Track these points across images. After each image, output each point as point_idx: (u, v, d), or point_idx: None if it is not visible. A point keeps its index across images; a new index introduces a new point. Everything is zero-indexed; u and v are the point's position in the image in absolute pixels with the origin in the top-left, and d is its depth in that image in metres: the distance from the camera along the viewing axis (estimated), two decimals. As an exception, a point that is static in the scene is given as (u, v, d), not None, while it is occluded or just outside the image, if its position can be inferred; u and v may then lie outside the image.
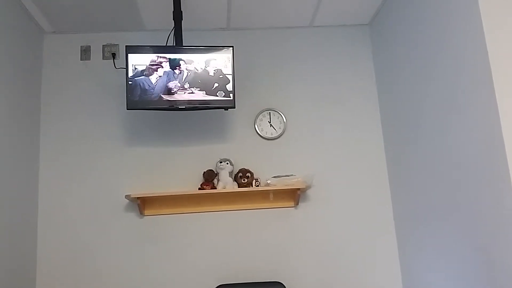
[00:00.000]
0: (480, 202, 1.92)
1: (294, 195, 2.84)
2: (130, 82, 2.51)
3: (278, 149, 2.95)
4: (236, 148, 2.93)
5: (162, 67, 2.54)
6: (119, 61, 2.95)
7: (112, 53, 2.98)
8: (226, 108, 2.63)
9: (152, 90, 2.52)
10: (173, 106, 2.55)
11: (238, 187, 2.77)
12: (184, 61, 2.56)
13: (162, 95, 2.53)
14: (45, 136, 2.88)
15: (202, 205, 2.83)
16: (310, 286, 2.79)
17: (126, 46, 2.57)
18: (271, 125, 2.97)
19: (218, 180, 2.78)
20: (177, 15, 2.68)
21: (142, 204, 2.75)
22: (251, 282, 2.71)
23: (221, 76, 2.59)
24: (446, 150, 2.19)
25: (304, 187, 2.73)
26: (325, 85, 3.06)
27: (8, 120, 2.45)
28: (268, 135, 2.96)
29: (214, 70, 2.58)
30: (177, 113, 2.94)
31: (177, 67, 2.55)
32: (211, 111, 2.93)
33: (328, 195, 2.91)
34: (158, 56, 2.53)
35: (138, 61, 2.53)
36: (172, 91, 2.53)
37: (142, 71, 2.52)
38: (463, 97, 2.01)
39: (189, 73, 2.56)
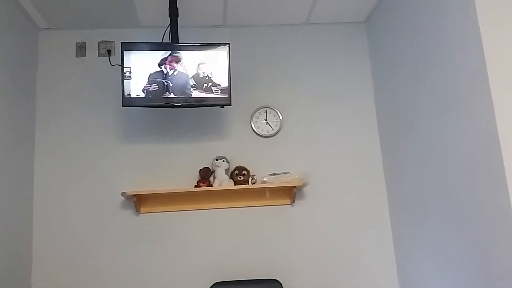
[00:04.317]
0: (476, 199, 1.92)
1: (290, 193, 2.84)
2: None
3: (274, 147, 2.95)
4: (232, 145, 2.92)
5: (162, 67, 2.53)
6: (115, 58, 2.93)
7: (107, 50, 2.96)
8: (222, 106, 2.62)
9: (150, 88, 2.51)
10: (169, 103, 2.54)
11: (234, 184, 2.76)
12: (179, 58, 2.55)
13: (159, 93, 2.52)
14: (40, 133, 2.86)
15: (198, 202, 2.83)
16: (306, 283, 2.79)
17: (121, 42, 2.56)
18: (267, 122, 2.97)
19: (214, 178, 2.77)
20: (173, 12, 2.67)
21: (138, 201, 2.74)
22: (247, 279, 2.71)
23: (217, 73, 2.58)
24: (442, 147, 2.20)
25: (300, 184, 2.73)
26: (321, 82, 3.05)
27: (2, 117, 2.43)
28: (264, 133, 2.95)
29: (210, 68, 2.57)
30: (173, 111, 2.93)
31: (172, 64, 2.54)
32: (207, 109, 2.92)
33: (324, 193, 2.92)
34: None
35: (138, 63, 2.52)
36: (168, 88, 2.53)
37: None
38: (459, 94, 2.01)
39: (184, 70, 2.55)
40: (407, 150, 2.60)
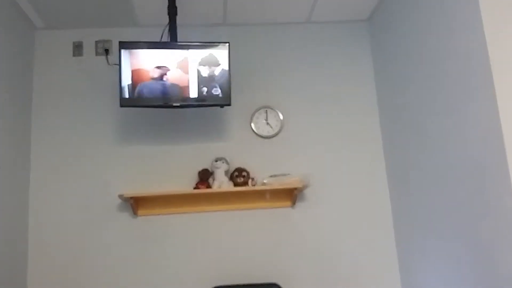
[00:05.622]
0: (480, 203, 1.90)
1: (291, 195, 2.80)
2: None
3: (275, 148, 2.91)
4: (232, 146, 2.89)
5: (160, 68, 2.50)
6: (112, 57, 2.90)
7: (105, 49, 2.93)
8: (221, 106, 2.60)
9: (148, 88, 2.48)
10: (167, 104, 2.51)
11: (234, 186, 2.74)
12: (178, 57, 2.51)
13: (157, 93, 2.48)
14: (36, 133, 2.83)
15: (197, 205, 2.80)
16: (307, 287, 2.75)
17: (119, 42, 2.53)
18: (267, 123, 2.93)
19: (213, 179, 2.75)
20: (172, 11, 2.66)
21: (135, 204, 2.71)
22: (247, 283, 2.69)
23: (217, 72, 2.55)
24: (445, 150, 2.17)
25: (301, 186, 2.70)
26: (323, 82, 3.02)
27: (-3, 117, 2.41)
28: (265, 134, 2.91)
29: (210, 67, 2.54)
30: (172, 111, 2.90)
31: (171, 64, 2.51)
32: (206, 109, 2.89)
33: (325, 195, 2.88)
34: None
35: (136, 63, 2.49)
36: (166, 88, 2.49)
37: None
38: (463, 93, 1.99)
39: (183, 70, 2.51)
40: (410, 150, 2.57)
